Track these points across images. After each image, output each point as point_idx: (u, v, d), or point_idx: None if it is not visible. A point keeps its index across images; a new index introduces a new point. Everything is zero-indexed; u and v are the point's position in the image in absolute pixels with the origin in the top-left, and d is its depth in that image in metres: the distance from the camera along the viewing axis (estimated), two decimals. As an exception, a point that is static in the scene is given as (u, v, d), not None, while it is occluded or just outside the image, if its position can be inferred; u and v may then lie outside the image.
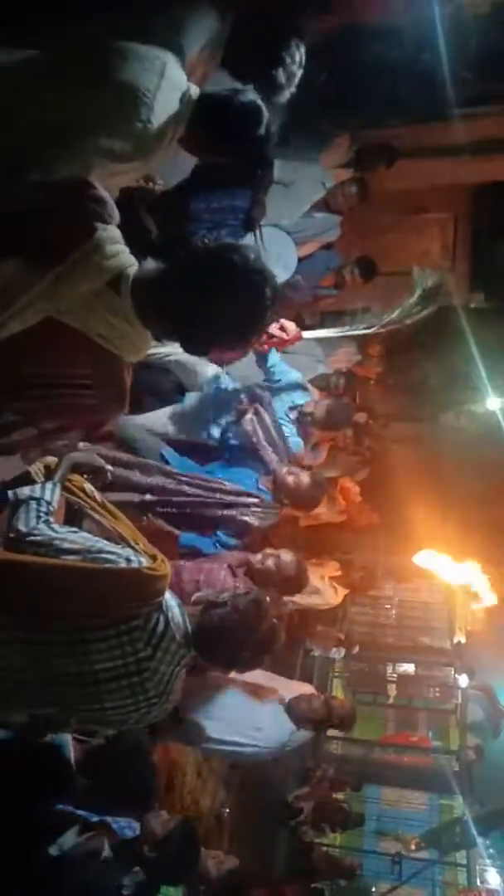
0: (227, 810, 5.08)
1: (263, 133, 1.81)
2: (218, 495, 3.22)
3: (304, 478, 3.41)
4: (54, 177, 1.39)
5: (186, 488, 3.18)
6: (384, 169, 4.10)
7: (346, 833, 6.03)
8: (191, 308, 1.40)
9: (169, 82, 1.64)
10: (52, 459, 1.83)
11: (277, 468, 3.43)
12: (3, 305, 1.25)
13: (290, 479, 3.37)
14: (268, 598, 2.04)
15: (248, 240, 3.83)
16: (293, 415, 3.81)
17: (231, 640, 1.91)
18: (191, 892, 2.74)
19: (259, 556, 3.12)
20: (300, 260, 4.12)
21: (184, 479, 3.20)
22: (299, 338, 3.64)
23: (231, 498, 3.25)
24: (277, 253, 3.94)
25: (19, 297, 1.24)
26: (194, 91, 1.75)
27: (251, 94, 1.86)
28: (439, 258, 5.46)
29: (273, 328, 3.49)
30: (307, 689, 3.74)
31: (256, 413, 3.54)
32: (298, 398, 3.91)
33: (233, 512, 3.23)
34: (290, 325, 3.58)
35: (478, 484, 6.65)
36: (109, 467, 1.96)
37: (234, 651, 1.93)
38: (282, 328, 3.54)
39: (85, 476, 1.89)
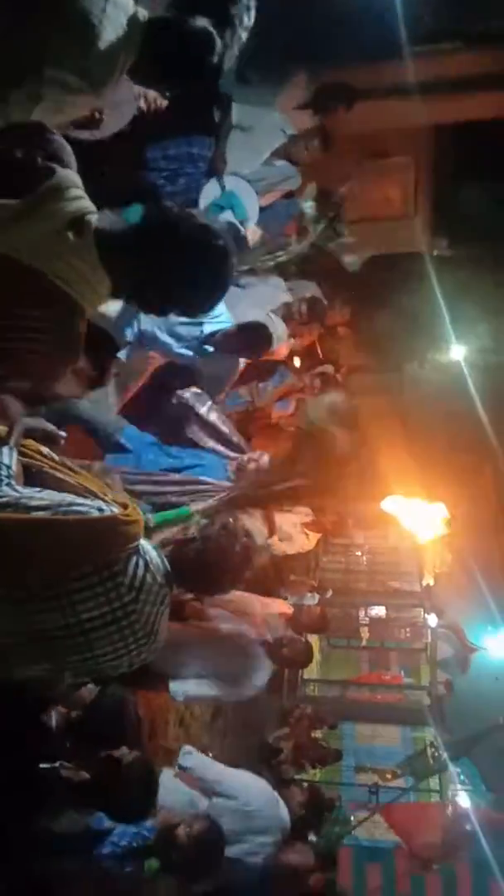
0: (211, 755, 5.24)
1: (216, 62, 1.75)
2: (168, 488, 3.33)
3: (265, 458, 3.65)
4: (6, 112, 1.33)
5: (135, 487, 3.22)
6: (343, 111, 4.02)
7: (325, 769, 6.29)
8: (154, 274, 1.40)
9: (115, 5, 1.57)
10: (1, 428, 1.81)
11: (239, 461, 3.61)
12: None
13: (251, 465, 3.60)
14: (232, 521, 2.09)
15: (211, 188, 3.77)
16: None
17: (209, 570, 1.96)
18: (163, 863, 2.81)
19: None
20: (261, 209, 4.06)
21: (131, 476, 3.22)
22: None
23: (183, 487, 3.37)
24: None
25: None
26: (142, 14, 1.68)
27: (203, 21, 1.79)
28: (401, 204, 5.42)
29: None
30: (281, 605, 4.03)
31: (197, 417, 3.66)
32: None
33: (184, 499, 3.34)
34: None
35: (443, 431, 6.77)
36: (63, 433, 1.94)
37: (214, 578, 1.98)
38: None
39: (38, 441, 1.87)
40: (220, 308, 3.75)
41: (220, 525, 2.01)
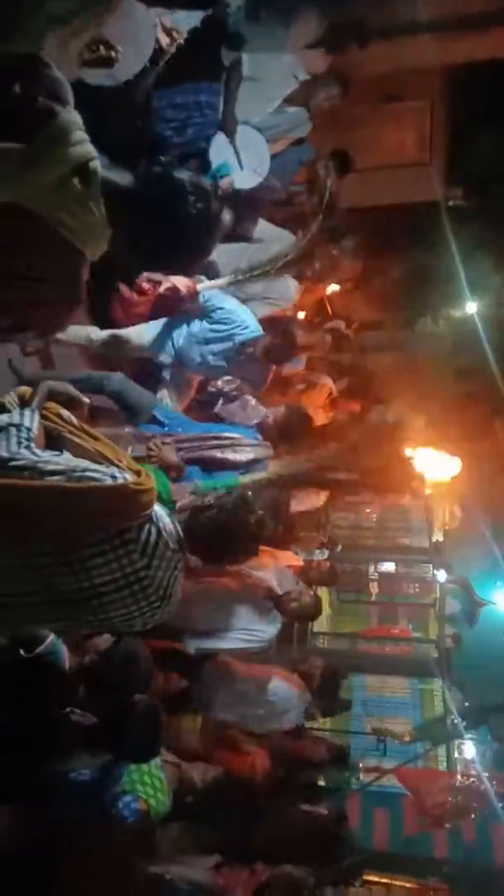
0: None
1: None
2: (211, 441, 3.50)
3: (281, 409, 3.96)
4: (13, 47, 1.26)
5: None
6: (356, 49, 3.84)
7: (334, 718, 6.45)
8: (155, 234, 1.40)
9: None
10: (25, 389, 1.82)
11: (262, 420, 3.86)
12: None
13: (270, 420, 3.88)
14: (250, 497, 2.11)
15: (221, 140, 3.66)
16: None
17: (223, 538, 1.99)
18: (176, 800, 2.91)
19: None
20: (272, 156, 3.94)
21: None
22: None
23: (222, 442, 3.54)
24: (252, 154, 3.77)
25: None
26: None
27: None
28: (416, 150, 5.23)
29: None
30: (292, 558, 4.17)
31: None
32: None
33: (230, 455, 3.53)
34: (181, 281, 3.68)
35: (455, 387, 6.70)
36: (86, 399, 1.95)
37: (227, 547, 2.00)
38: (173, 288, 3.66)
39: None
40: (249, 320, 3.88)
41: (237, 496, 2.02)
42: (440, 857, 5.41)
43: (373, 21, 3.83)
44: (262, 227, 4.30)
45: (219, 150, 3.62)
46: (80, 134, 1.28)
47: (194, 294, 3.73)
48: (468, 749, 6.27)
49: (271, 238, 4.34)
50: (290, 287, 4.35)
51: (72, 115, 1.29)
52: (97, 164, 1.30)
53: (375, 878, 4.93)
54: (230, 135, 3.61)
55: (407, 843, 5.41)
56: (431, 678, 7.01)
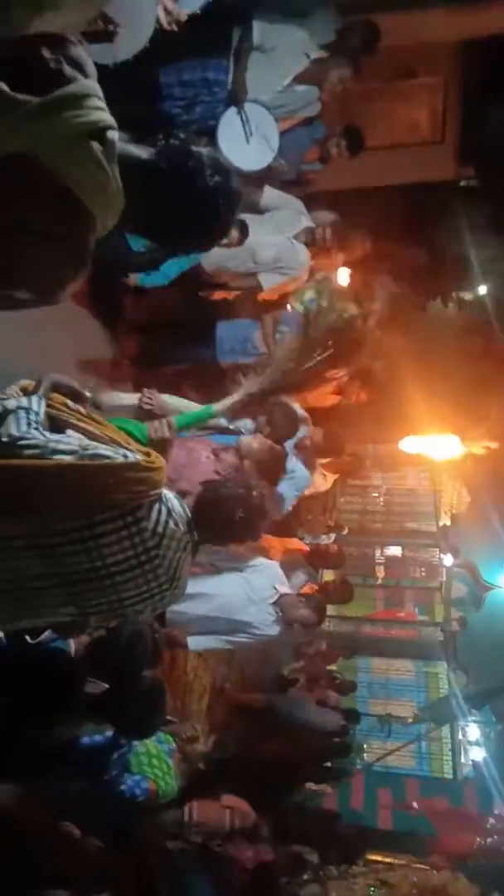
0: (228, 685, 5.43)
1: None
2: None
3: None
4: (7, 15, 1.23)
5: None
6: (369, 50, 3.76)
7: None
8: (174, 207, 1.38)
9: None
10: (28, 382, 1.85)
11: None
12: None
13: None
14: (256, 477, 2.14)
15: (230, 117, 3.59)
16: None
17: (226, 511, 2.01)
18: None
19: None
20: (281, 134, 3.87)
21: None
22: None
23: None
24: (262, 134, 3.69)
25: None
26: None
27: None
28: (428, 128, 5.13)
29: None
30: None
31: None
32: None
33: None
34: None
35: (466, 370, 6.64)
36: (88, 393, 1.97)
37: (230, 521, 2.02)
38: None
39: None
40: None
41: (242, 474, 2.05)
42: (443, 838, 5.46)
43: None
44: (269, 195, 4.22)
45: (227, 124, 3.56)
46: (98, 101, 1.27)
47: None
48: (472, 731, 6.30)
49: (278, 204, 4.27)
50: (300, 253, 4.30)
51: (92, 83, 1.27)
52: (115, 134, 1.28)
53: (379, 858, 4.99)
54: (239, 104, 3.52)
55: (410, 822, 5.47)
56: (437, 661, 7.04)
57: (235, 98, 3.52)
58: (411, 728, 6.64)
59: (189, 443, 3.14)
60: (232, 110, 3.55)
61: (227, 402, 3.16)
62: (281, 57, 3.71)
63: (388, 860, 5.30)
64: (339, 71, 3.88)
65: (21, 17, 1.43)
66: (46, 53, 1.21)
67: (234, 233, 3.80)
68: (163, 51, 3.13)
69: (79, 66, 1.24)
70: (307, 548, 4.73)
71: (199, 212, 1.39)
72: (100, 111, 1.25)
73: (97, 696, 2.33)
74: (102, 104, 1.26)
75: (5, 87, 1.14)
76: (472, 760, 6.03)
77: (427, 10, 3.71)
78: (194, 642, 3.67)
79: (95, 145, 1.23)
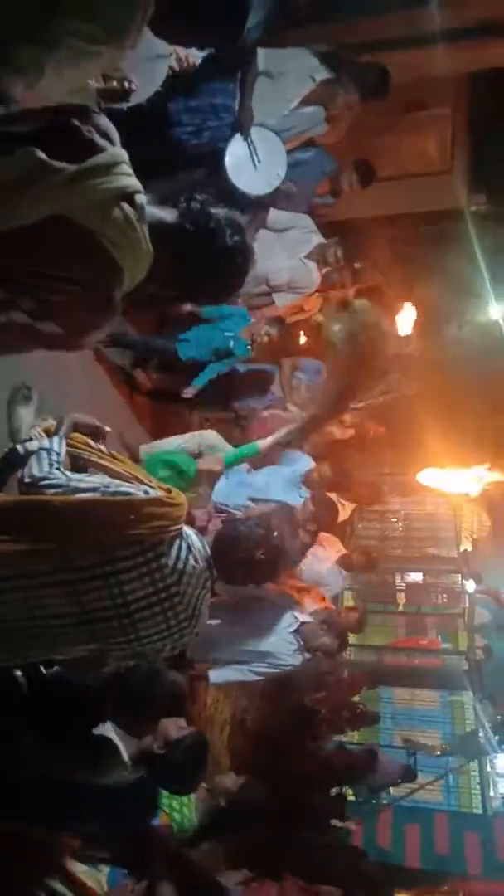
0: (250, 717, 5.35)
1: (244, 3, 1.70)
2: None
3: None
4: (20, 61, 1.32)
5: None
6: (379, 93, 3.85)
7: (362, 731, 6.36)
8: (195, 265, 1.53)
9: None
10: (50, 423, 1.93)
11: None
12: (19, 192, 1.27)
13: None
14: (277, 517, 2.15)
15: (238, 143, 3.66)
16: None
17: (246, 550, 2.01)
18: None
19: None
20: (293, 166, 3.94)
21: None
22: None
23: None
24: (269, 158, 3.76)
25: (37, 185, 1.27)
26: None
27: None
28: (437, 158, 5.19)
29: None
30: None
31: None
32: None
33: None
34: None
35: (482, 394, 6.60)
36: (108, 428, 2.03)
37: (250, 561, 2.01)
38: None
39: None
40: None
41: (261, 512, 2.07)
42: (474, 874, 5.29)
43: (393, 32, 3.82)
44: (280, 216, 4.29)
45: (235, 151, 3.62)
46: (126, 168, 1.39)
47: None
48: (501, 762, 6.13)
49: (289, 224, 4.34)
50: (311, 271, 4.38)
51: (120, 151, 1.40)
52: (143, 198, 1.40)
53: (408, 897, 4.85)
54: (246, 131, 3.60)
55: (439, 861, 5.31)
56: (462, 690, 6.90)
57: (242, 125, 3.59)
58: (438, 761, 6.49)
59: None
60: (238, 137, 3.62)
61: (269, 441, 3.31)
62: (288, 81, 3.80)
63: (416, 900, 5.15)
64: (347, 97, 3.96)
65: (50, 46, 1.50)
66: (79, 124, 1.33)
67: None
68: (173, 85, 3.23)
69: (107, 136, 1.36)
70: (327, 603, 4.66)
71: (219, 268, 1.53)
72: (128, 177, 1.36)
73: (139, 751, 2.31)
74: (130, 170, 1.38)
75: (44, 156, 1.25)
76: (502, 794, 5.86)
77: (433, 47, 3.78)
78: (215, 675, 3.65)
79: (127, 207, 1.34)
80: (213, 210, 1.52)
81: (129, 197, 1.36)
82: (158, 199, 1.50)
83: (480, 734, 5.89)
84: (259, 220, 4.10)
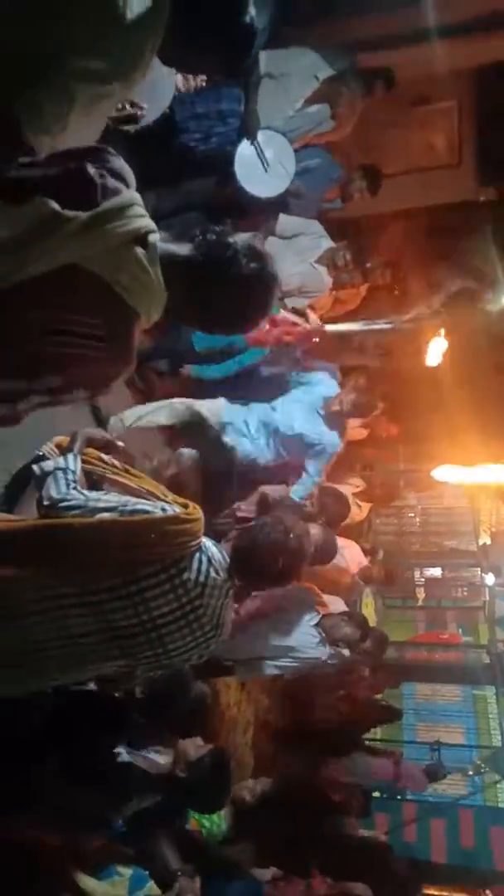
0: (272, 717, 5.38)
1: (248, 23, 1.66)
2: None
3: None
4: (42, 122, 1.32)
5: None
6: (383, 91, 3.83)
7: (386, 727, 6.37)
8: (205, 302, 1.50)
9: None
10: (62, 438, 1.91)
11: None
12: (32, 242, 1.26)
13: None
14: (291, 518, 2.15)
15: (245, 148, 3.66)
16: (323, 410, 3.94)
17: (265, 555, 2.03)
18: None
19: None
20: (300, 173, 3.93)
21: None
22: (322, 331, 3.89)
23: None
24: (278, 160, 3.76)
25: (50, 234, 1.26)
26: None
27: None
28: (444, 152, 5.15)
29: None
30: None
31: None
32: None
33: None
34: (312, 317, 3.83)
35: (495, 386, 6.55)
36: (121, 442, 2.03)
37: (269, 565, 2.03)
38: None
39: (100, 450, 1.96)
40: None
41: (278, 515, 2.06)
42: (500, 869, 5.29)
43: (398, 28, 3.79)
44: (289, 222, 4.28)
45: (243, 155, 3.63)
46: (139, 209, 1.37)
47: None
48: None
49: (298, 230, 4.33)
50: (322, 275, 4.37)
51: (133, 194, 1.39)
52: (157, 237, 1.38)
53: (435, 892, 4.85)
54: (252, 135, 3.60)
55: (465, 855, 5.31)
56: (484, 685, 6.88)
57: (248, 129, 3.59)
58: (463, 754, 6.48)
59: None
60: (246, 142, 3.62)
61: None
62: (292, 82, 3.80)
63: (444, 894, 5.16)
64: (351, 93, 3.95)
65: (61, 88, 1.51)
66: (91, 169, 1.31)
67: None
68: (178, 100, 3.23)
69: (121, 177, 1.35)
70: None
71: (238, 298, 1.50)
72: (141, 218, 1.35)
73: (163, 775, 2.34)
74: (143, 211, 1.36)
75: (56, 206, 1.24)
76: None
77: (438, 42, 3.76)
78: (241, 670, 3.67)
79: (139, 250, 1.33)
80: (230, 239, 1.48)
81: (142, 238, 1.35)
82: (173, 220, 1.48)
83: None
84: (269, 227, 4.09)
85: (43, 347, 1.37)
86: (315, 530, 3.23)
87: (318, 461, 3.88)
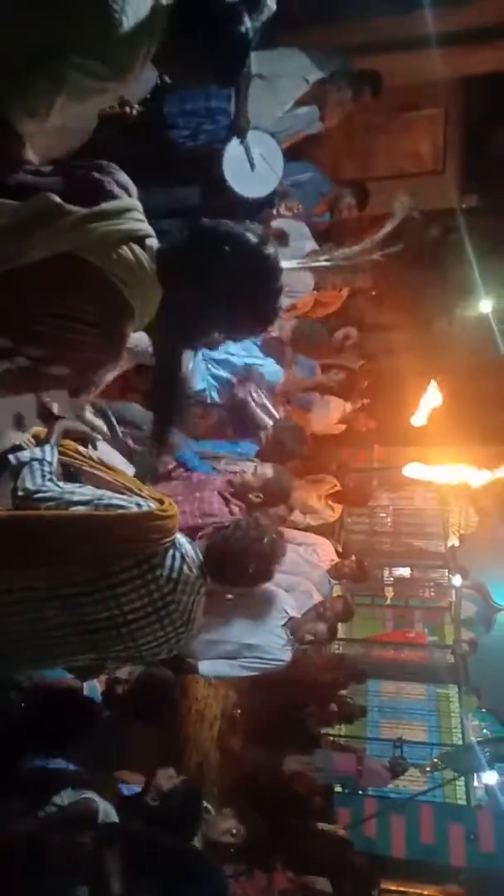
0: (239, 711, 5.42)
1: (243, 34, 1.67)
2: None
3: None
4: (31, 101, 1.34)
5: None
6: (371, 96, 3.86)
7: (350, 725, 6.46)
8: (217, 291, 1.45)
9: None
10: (39, 429, 1.91)
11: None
12: (31, 231, 1.30)
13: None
14: (265, 518, 2.18)
15: (234, 149, 3.66)
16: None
17: (238, 556, 2.07)
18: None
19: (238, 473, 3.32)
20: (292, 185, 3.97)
21: None
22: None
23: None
24: (266, 160, 3.76)
25: (48, 224, 1.31)
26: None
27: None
28: (430, 159, 5.21)
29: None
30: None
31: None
32: None
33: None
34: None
35: (472, 389, 6.66)
36: (97, 435, 2.03)
37: (242, 566, 2.06)
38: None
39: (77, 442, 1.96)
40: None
41: (252, 517, 2.08)
42: (457, 865, 5.42)
43: (386, 36, 3.82)
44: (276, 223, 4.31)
45: (231, 155, 3.62)
46: (138, 215, 1.41)
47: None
48: (488, 775, 6.12)
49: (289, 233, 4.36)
50: (306, 276, 4.41)
51: (136, 202, 1.43)
52: (154, 241, 1.41)
53: (393, 887, 4.95)
54: (242, 134, 3.60)
55: (425, 851, 5.42)
56: (448, 684, 7.01)
57: (237, 128, 3.59)
58: (424, 750, 6.60)
59: (197, 493, 3.22)
60: (234, 141, 3.62)
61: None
62: (282, 83, 3.82)
63: (402, 889, 5.26)
64: (339, 94, 3.97)
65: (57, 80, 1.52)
66: (97, 175, 1.38)
67: None
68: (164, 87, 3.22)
69: (124, 188, 1.40)
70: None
71: (241, 290, 1.45)
72: (139, 222, 1.40)
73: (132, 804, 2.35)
74: (142, 217, 1.41)
75: (58, 199, 1.30)
76: (485, 785, 5.96)
77: (430, 50, 3.80)
78: (205, 667, 3.67)
79: (137, 248, 1.37)
80: (222, 227, 1.45)
81: (139, 240, 1.38)
82: (163, 223, 1.47)
83: (472, 752, 5.90)
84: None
85: (33, 325, 1.39)
86: (266, 469, 3.33)
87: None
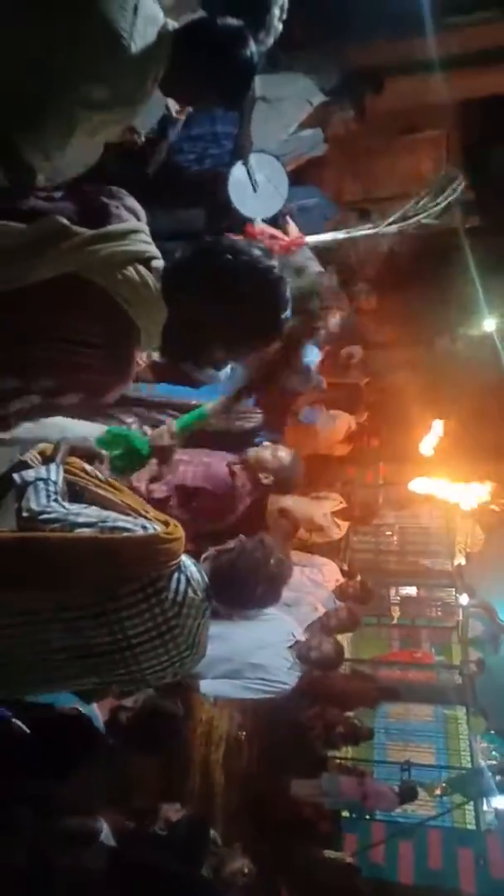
0: (244, 733, 5.35)
1: (249, 58, 1.69)
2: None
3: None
4: (45, 147, 1.36)
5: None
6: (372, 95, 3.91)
7: (357, 747, 6.36)
8: (220, 307, 1.45)
9: (144, 19, 1.55)
10: (45, 446, 1.88)
11: None
12: (37, 252, 1.31)
13: None
14: (270, 538, 2.16)
15: (239, 171, 3.70)
16: None
17: (243, 579, 2.01)
18: None
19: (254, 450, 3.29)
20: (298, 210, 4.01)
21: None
22: (302, 242, 3.74)
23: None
24: (271, 183, 3.80)
25: (54, 245, 1.32)
26: (172, 25, 1.65)
27: (231, 19, 1.75)
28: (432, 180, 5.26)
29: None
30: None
31: None
32: None
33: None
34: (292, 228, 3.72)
35: (475, 407, 6.65)
36: (105, 452, 2.03)
37: (248, 589, 2.02)
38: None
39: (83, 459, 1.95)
40: None
41: (258, 538, 2.06)
42: (468, 891, 5.31)
43: (390, 59, 3.88)
44: None
45: (235, 178, 3.65)
46: (145, 237, 1.43)
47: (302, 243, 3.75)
48: (498, 799, 6.04)
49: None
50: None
51: (143, 225, 1.44)
52: (160, 263, 1.42)
53: (402, 914, 4.84)
54: (245, 156, 3.63)
55: (433, 876, 5.32)
56: (455, 705, 6.92)
57: (241, 150, 3.63)
58: (432, 773, 6.50)
59: (205, 458, 3.19)
60: (239, 163, 3.66)
61: (217, 403, 3.20)
62: (285, 106, 3.86)
63: (411, 916, 5.15)
64: (342, 114, 4.02)
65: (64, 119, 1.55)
66: (106, 199, 1.40)
67: None
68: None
69: (133, 213, 1.42)
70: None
71: (247, 306, 1.45)
72: (146, 244, 1.41)
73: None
74: (148, 240, 1.42)
75: (65, 221, 1.32)
76: (496, 809, 5.86)
77: (432, 74, 3.85)
78: (206, 685, 3.62)
79: (142, 269, 1.37)
80: (226, 243, 1.45)
81: (145, 262, 1.39)
82: (167, 245, 1.47)
83: (481, 776, 5.81)
84: None
85: (38, 351, 1.39)
86: (283, 453, 3.26)
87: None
